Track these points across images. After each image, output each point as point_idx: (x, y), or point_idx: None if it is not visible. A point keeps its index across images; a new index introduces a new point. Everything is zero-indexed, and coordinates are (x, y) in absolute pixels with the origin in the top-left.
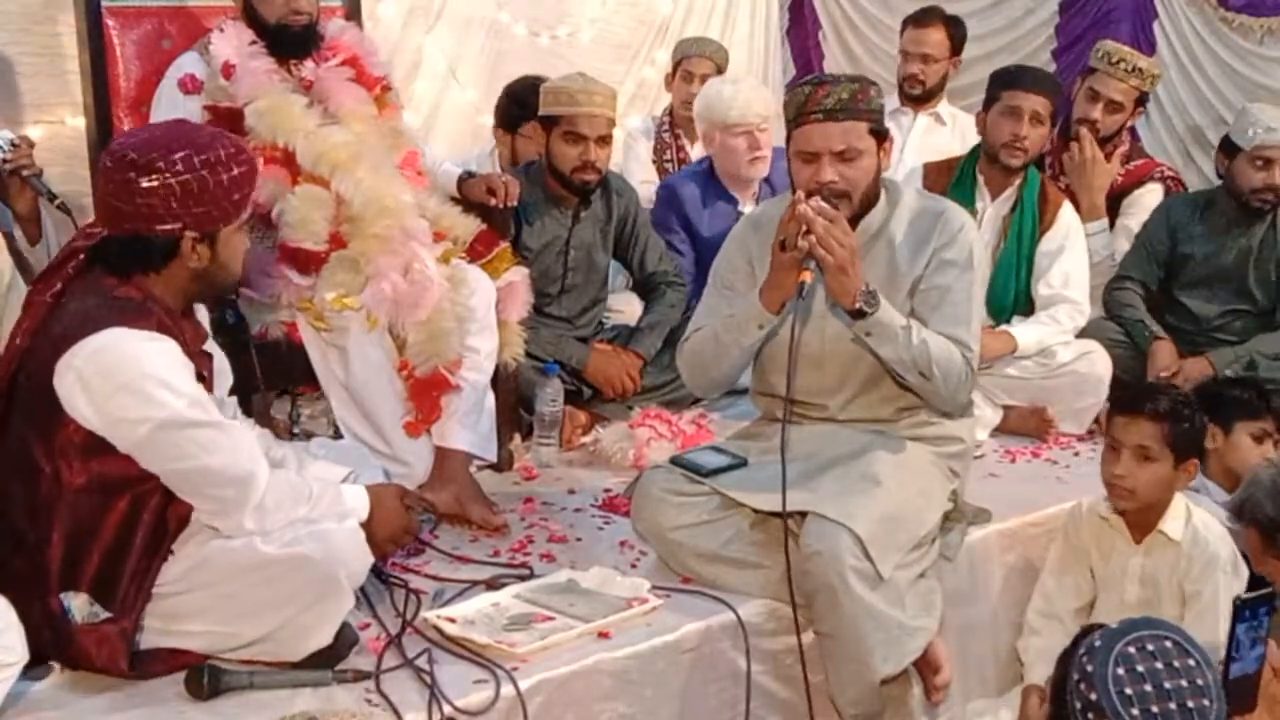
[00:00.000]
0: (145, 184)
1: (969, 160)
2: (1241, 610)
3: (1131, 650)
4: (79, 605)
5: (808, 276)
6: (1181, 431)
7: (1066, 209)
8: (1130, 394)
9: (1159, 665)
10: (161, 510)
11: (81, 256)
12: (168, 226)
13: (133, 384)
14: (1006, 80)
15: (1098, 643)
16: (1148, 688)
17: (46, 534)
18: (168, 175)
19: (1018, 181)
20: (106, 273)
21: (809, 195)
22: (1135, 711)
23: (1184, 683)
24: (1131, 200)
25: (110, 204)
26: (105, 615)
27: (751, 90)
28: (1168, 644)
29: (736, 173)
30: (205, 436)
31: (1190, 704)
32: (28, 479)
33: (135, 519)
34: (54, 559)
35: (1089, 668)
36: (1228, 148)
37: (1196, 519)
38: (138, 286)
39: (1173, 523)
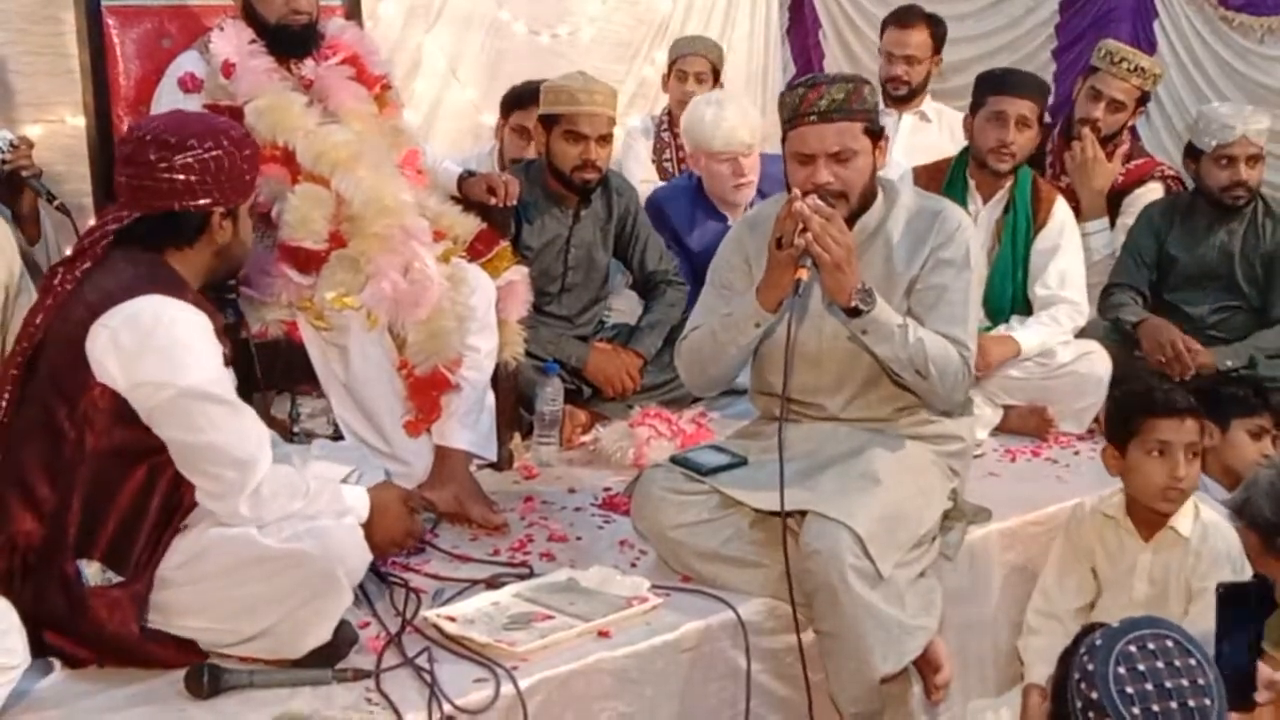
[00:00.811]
0: (180, 160)
1: (959, 163)
2: (1225, 597)
3: (1132, 649)
4: (93, 572)
5: (804, 274)
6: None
7: (1060, 206)
8: (1156, 397)
9: (1160, 664)
10: (176, 481)
11: (109, 239)
12: (201, 201)
13: (164, 348)
14: (992, 85)
15: (1098, 641)
16: (1149, 686)
17: (67, 499)
18: (201, 151)
19: (1009, 184)
20: (139, 249)
21: (805, 195)
22: (1136, 710)
23: (1185, 682)
24: (1132, 199)
25: (141, 185)
26: (118, 580)
27: (736, 116)
28: (1169, 643)
29: (722, 196)
30: (219, 413)
31: (1191, 703)
32: (51, 445)
33: (151, 487)
34: (72, 524)
35: (1090, 666)
36: (1192, 153)
37: (1204, 515)
38: (169, 263)
39: (1183, 519)
